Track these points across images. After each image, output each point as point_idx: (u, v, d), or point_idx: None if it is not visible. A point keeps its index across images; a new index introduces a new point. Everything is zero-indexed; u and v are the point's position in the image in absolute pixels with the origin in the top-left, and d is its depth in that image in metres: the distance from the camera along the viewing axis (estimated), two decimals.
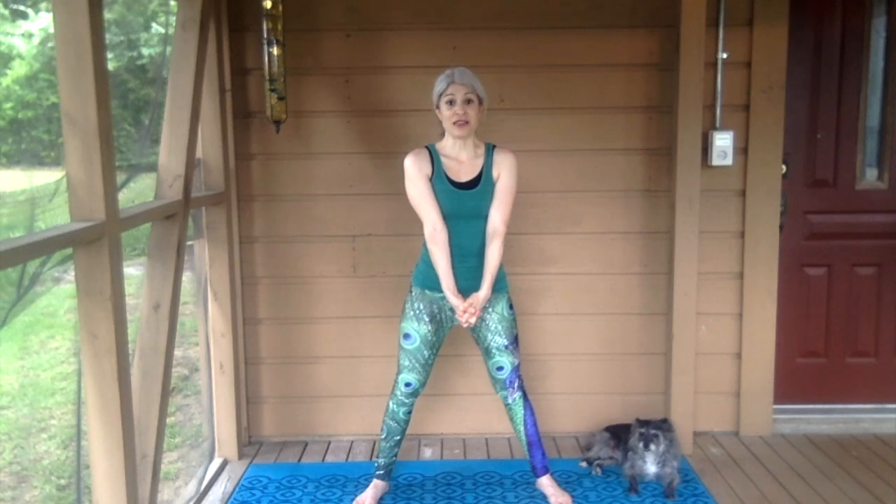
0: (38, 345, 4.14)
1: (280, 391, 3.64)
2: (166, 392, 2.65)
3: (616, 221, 3.53)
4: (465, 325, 2.78)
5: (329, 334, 3.59)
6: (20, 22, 2.79)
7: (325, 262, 3.55)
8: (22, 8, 2.76)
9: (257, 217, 3.52)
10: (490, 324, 2.87)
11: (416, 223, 2.82)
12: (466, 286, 2.77)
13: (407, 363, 2.90)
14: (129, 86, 3.23)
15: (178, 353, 3.25)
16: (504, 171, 2.77)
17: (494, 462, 3.41)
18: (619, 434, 3.27)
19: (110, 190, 2.11)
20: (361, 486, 3.12)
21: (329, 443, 3.64)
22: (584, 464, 3.33)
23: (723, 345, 3.61)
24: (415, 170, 2.75)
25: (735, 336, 3.59)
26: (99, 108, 2.03)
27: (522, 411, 2.95)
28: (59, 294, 2.85)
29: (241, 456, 3.47)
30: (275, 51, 3.22)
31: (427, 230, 2.74)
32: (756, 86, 3.42)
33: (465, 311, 2.73)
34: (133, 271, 2.91)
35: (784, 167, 3.53)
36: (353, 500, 3.02)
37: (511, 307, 2.91)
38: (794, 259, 3.68)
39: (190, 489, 3.22)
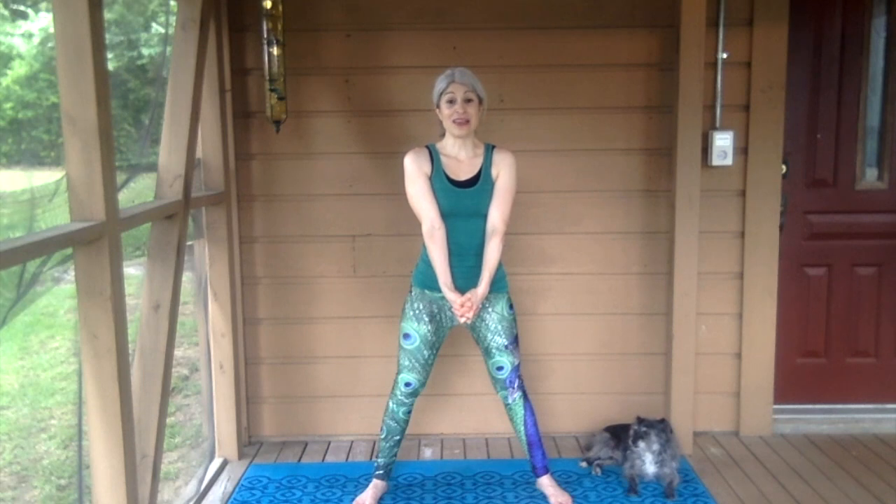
0: (38, 345, 4.14)
1: (280, 391, 3.64)
2: (166, 392, 2.65)
3: (616, 221, 3.53)
4: (462, 321, 2.78)
5: (329, 334, 3.59)
6: (20, 22, 2.79)
7: (325, 262, 3.55)
8: (22, 8, 2.76)
9: (257, 217, 3.52)
10: (490, 324, 2.87)
11: (416, 223, 2.82)
12: (465, 285, 2.77)
13: (407, 363, 2.91)
14: (129, 86, 3.23)
15: (178, 353, 3.25)
16: (503, 170, 2.78)
17: (494, 462, 3.41)
18: (618, 434, 3.27)
19: (110, 190, 2.11)
20: (361, 486, 3.12)
21: (329, 443, 3.64)
22: (584, 464, 3.33)
23: (723, 345, 3.61)
24: (414, 168, 2.75)
25: (735, 336, 3.59)
26: (99, 108, 2.03)
27: (522, 411, 2.95)
28: (59, 294, 2.85)
29: (241, 456, 3.47)
30: (275, 51, 3.22)
31: (425, 227, 2.75)
32: (756, 86, 3.42)
33: (462, 305, 2.73)
34: (133, 271, 2.91)
35: (784, 167, 3.53)
36: (353, 500, 3.02)
37: (511, 307, 2.91)
38: (794, 259, 3.68)
39: (190, 489, 3.21)
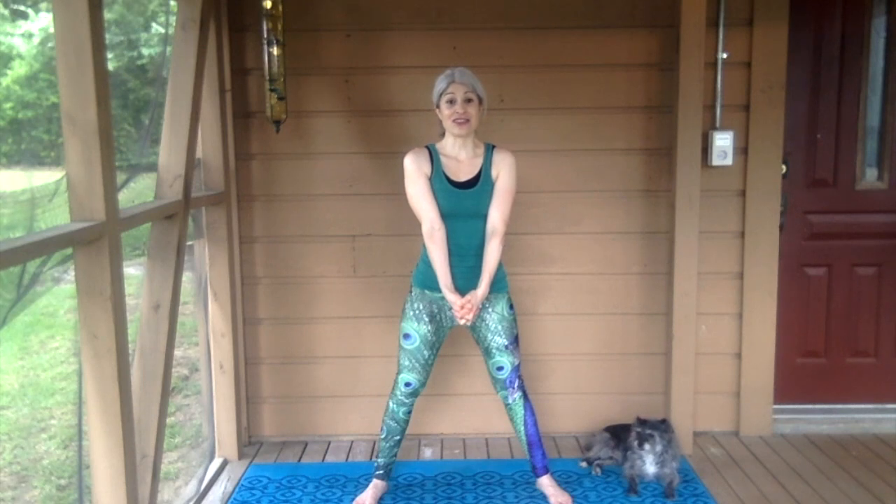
0: (38, 345, 4.14)
1: (280, 391, 3.64)
2: (166, 392, 2.65)
3: (616, 221, 3.53)
4: (461, 323, 2.78)
5: (329, 334, 3.59)
6: (20, 22, 2.79)
7: (325, 262, 3.55)
8: (22, 8, 2.76)
9: (257, 217, 3.52)
10: (490, 324, 2.87)
11: (416, 223, 2.82)
12: (465, 286, 2.77)
13: (407, 363, 2.91)
14: (129, 86, 3.23)
15: (178, 353, 3.25)
16: (503, 170, 2.78)
17: (494, 462, 3.41)
18: (619, 434, 3.27)
19: (110, 190, 2.11)
20: (361, 486, 3.12)
21: (329, 443, 3.64)
22: (584, 464, 3.33)
23: (723, 345, 3.61)
24: (414, 168, 2.75)
25: (735, 336, 3.59)
26: (99, 108, 2.03)
27: (522, 411, 2.95)
28: (59, 294, 2.85)
29: (241, 456, 3.47)
30: (275, 51, 3.22)
31: (425, 228, 2.75)
32: (756, 86, 3.42)
33: (462, 307, 2.73)
34: (133, 271, 2.91)
35: (784, 167, 3.53)
36: (353, 500, 3.02)
37: (511, 307, 2.91)
38: (794, 259, 3.68)
39: (190, 489, 3.21)
